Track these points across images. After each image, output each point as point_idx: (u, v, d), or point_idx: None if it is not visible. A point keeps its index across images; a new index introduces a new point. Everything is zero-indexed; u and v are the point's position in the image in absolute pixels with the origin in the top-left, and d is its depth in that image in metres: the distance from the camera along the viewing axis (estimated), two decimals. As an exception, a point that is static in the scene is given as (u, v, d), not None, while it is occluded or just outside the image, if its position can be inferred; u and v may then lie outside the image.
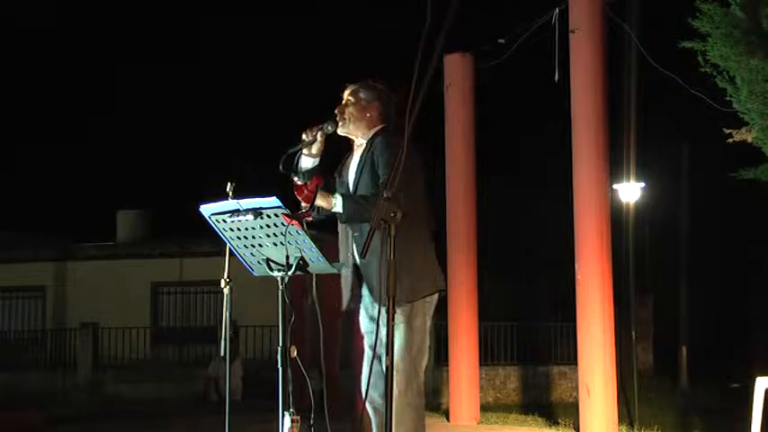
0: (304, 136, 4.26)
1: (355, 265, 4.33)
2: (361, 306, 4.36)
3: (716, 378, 16.78)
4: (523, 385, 17.38)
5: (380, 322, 4.18)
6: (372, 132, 4.38)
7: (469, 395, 10.36)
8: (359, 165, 4.36)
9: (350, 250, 4.32)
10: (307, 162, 4.30)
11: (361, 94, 4.39)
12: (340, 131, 4.38)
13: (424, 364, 4.27)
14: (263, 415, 8.09)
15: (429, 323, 4.30)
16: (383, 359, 4.21)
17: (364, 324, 4.40)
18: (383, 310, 3.15)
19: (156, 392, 18.55)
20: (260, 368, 17.29)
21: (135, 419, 13.22)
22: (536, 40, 9.55)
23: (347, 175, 4.44)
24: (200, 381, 18.19)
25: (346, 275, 4.35)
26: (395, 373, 4.13)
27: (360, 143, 4.42)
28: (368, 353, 4.28)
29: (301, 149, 4.25)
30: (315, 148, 4.28)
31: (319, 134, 4.26)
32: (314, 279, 4.17)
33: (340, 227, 4.42)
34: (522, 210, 21.50)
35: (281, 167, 4.17)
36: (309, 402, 4.04)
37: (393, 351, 3.10)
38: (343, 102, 4.42)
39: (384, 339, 4.19)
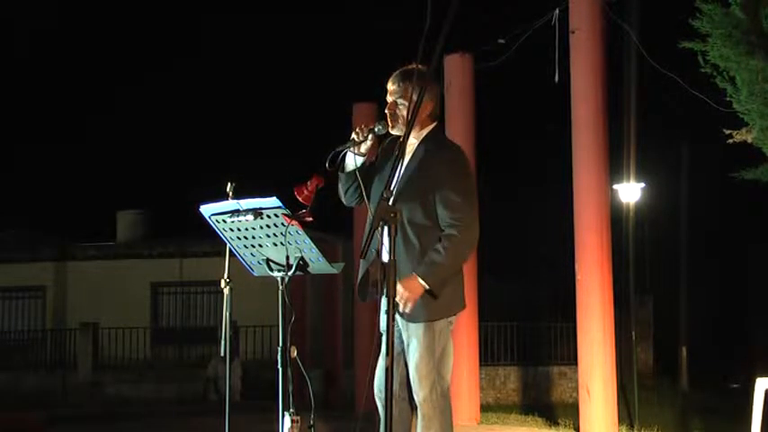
0: (354, 135, 4.16)
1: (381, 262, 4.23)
2: (382, 306, 4.28)
3: (716, 378, 16.79)
4: (523, 385, 17.38)
5: (402, 328, 4.18)
6: (425, 132, 4.24)
7: (469, 395, 10.35)
8: (408, 170, 4.18)
9: (375, 246, 4.18)
10: (354, 160, 4.23)
11: (414, 96, 4.06)
12: (392, 132, 4.23)
13: (449, 367, 4.20)
14: (262, 415, 8.09)
15: (451, 327, 4.26)
16: (406, 361, 4.20)
17: (383, 323, 4.34)
18: (387, 310, 3.12)
19: (156, 392, 18.56)
20: (260, 368, 17.31)
21: (135, 419, 13.21)
22: (536, 40, 9.56)
23: (390, 175, 4.30)
24: (200, 381, 18.20)
25: (363, 268, 4.24)
26: (419, 378, 4.13)
27: (411, 141, 4.20)
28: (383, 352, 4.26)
29: (349, 148, 4.18)
30: (363, 147, 4.21)
31: (370, 135, 4.18)
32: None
33: (368, 220, 4.34)
34: (523, 210, 21.50)
35: (327, 164, 4.08)
36: (309, 402, 4.04)
37: (393, 352, 3.08)
38: (392, 101, 4.21)
39: (405, 342, 4.19)
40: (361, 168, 4.25)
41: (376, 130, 4.19)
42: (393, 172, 3.23)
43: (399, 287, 3.95)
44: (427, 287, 4.02)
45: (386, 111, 4.24)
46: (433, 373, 4.13)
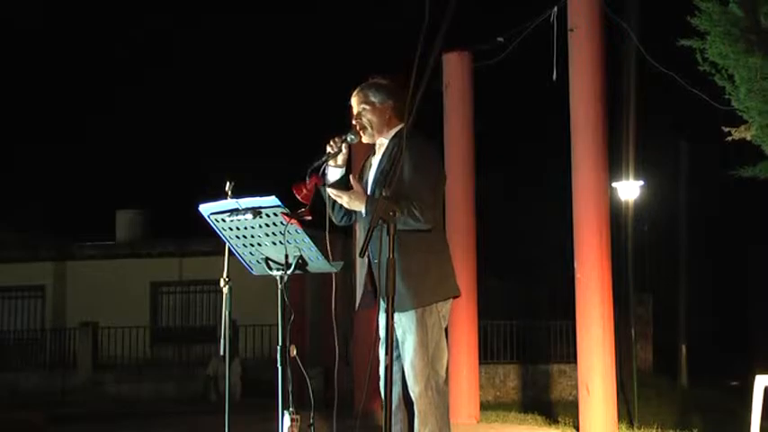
0: (328, 148, 4.26)
1: (369, 265, 4.29)
2: (380, 309, 4.29)
3: (715, 376, 16.79)
4: (523, 384, 17.38)
5: (395, 324, 4.19)
6: (393, 131, 4.37)
7: (469, 394, 10.36)
8: (380, 165, 4.35)
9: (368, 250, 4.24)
10: (334, 173, 4.33)
11: (373, 98, 4.36)
12: (364, 140, 4.38)
13: (443, 362, 4.24)
14: (262, 414, 8.10)
15: (444, 323, 4.28)
16: (402, 359, 4.21)
17: (382, 322, 4.36)
18: (387, 309, 3.13)
19: (156, 392, 18.57)
20: (259, 368, 17.31)
21: (135, 419, 13.22)
22: (535, 38, 9.55)
23: (367, 176, 4.43)
24: (200, 380, 18.21)
25: (361, 275, 4.32)
26: (414, 374, 4.16)
27: (381, 143, 4.41)
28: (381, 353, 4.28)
29: (327, 161, 4.26)
30: (340, 159, 4.31)
31: (344, 146, 4.28)
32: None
33: (359, 225, 4.40)
34: (522, 208, 21.51)
35: (305, 180, 4.17)
36: (309, 401, 4.04)
37: (392, 350, 3.09)
38: (357, 110, 4.39)
39: (400, 339, 4.21)
40: (341, 181, 4.33)
41: (348, 139, 4.31)
42: (394, 171, 3.29)
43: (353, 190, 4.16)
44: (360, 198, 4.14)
45: (353, 122, 4.40)
46: (427, 369, 4.15)
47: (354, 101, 4.42)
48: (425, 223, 4.14)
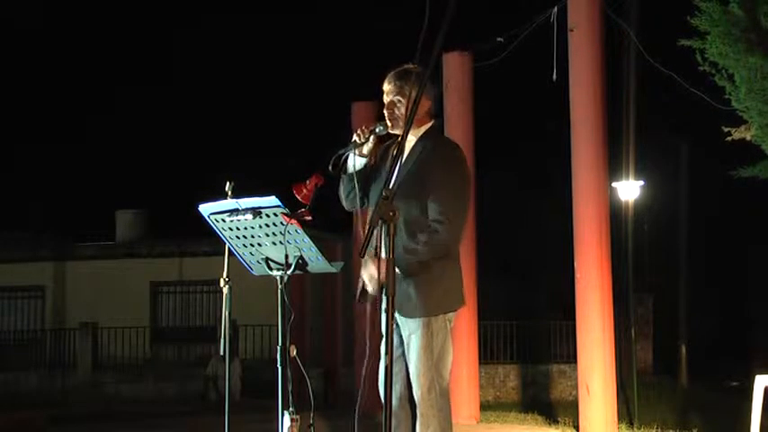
0: (355, 137, 4.17)
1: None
2: (381, 310, 4.25)
3: (715, 376, 16.80)
4: (523, 384, 17.39)
5: (401, 326, 4.17)
6: (423, 130, 4.25)
7: (469, 394, 10.35)
8: (406, 166, 4.20)
9: (373, 245, 4.18)
10: (358, 162, 4.23)
11: (412, 94, 4.12)
12: (393, 132, 4.24)
13: (448, 365, 4.18)
14: (262, 414, 8.10)
15: (450, 325, 4.24)
16: (406, 360, 4.19)
17: (383, 322, 4.33)
18: (387, 308, 3.11)
19: (156, 392, 18.58)
20: (259, 368, 17.32)
21: (135, 419, 13.22)
22: (535, 38, 9.56)
23: (384, 167, 4.28)
24: (200, 380, 18.21)
25: (366, 268, 4.25)
26: (417, 377, 4.12)
27: (409, 139, 4.24)
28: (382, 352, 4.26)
29: (352, 150, 4.18)
30: (365, 149, 4.22)
31: (371, 136, 4.19)
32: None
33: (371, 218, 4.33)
34: (522, 208, 21.51)
35: (329, 168, 4.10)
36: (309, 401, 4.03)
37: (392, 351, 3.07)
38: (390, 100, 4.24)
39: (405, 342, 4.19)
40: (362, 171, 4.25)
41: (377, 130, 4.19)
42: (392, 170, 3.26)
43: (371, 267, 4.04)
44: (397, 271, 3.92)
45: (384, 111, 4.26)
46: (431, 372, 4.12)
47: (388, 89, 4.25)
48: (451, 242, 4.07)
